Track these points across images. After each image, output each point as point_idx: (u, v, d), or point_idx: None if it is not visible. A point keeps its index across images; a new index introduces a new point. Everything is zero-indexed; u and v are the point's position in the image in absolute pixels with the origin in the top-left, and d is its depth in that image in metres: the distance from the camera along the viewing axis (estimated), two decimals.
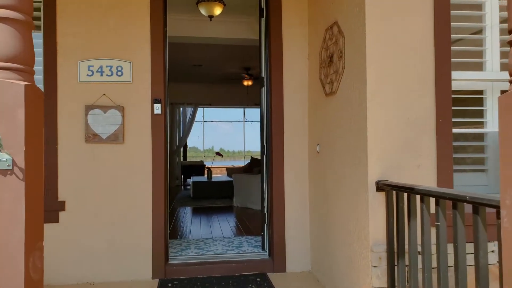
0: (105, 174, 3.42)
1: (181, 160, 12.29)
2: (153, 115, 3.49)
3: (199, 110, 13.26)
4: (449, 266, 1.91)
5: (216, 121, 17.71)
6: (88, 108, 3.40)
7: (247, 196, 6.98)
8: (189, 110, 11.70)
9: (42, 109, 1.14)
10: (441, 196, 1.75)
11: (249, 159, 10.55)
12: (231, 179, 8.21)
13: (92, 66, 3.42)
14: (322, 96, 3.27)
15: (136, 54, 3.49)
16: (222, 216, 6.22)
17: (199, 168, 11.90)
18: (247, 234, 4.79)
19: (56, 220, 3.35)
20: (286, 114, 3.67)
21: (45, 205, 3.29)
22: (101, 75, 3.43)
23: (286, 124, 3.67)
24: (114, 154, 3.43)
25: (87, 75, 3.42)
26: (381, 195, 2.41)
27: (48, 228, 3.29)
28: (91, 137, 3.39)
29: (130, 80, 3.46)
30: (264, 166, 3.86)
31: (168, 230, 3.66)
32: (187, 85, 11.53)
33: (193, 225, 5.49)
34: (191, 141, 16.34)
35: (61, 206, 3.35)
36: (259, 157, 10.08)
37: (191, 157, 17.68)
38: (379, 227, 2.42)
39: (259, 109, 3.95)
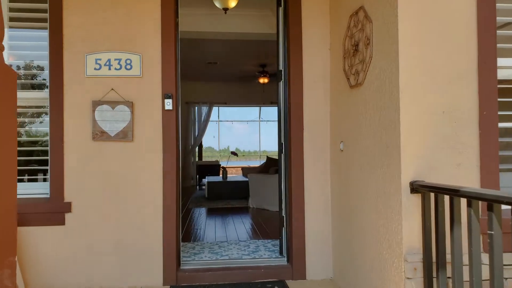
0: (113, 174, 3.22)
1: (196, 159, 12.12)
2: (164, 111, 3.28)
3: (215, 110, 13.09)
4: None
5: (232, 121, 17.52)
6: (96, 103, 3.20)
7: (263, 197, 6.73)
8: (204, 109, 11.54)
9: (14, 93, 0.92)
10: (497, 200, 1.47)
11: (265, 159, 10.32)
12: (247, 179, 7.98)
13: (100, 59, 3.23)
14: (346, 89, 3.00)
15: (146, 46, 3.28)
16: (237, 217, 5.99)
17: (214, 167, 11.70)
18: (263, 238, 4.55)
19: (62, 222, 3.16)
20: (306, 109, 3.41)
21: (51, 207, 3.12)
22: (109, 68, 3.24)
23: (306, 120, 3.41)
24: (122, 153, 3.24)
25: (95, 68, 3.23)
26: (416, 198, 2.14)
27: (54, 230, 3.13)
28: (99, 134, 3.20)
29: (140, 74, 3.26)
30: (282, 166, 3.60)
31: (180, 233, 3.45)
32: (202, 84, 11.37)
33: (207, 227, 5.27)
34: (207, 141, 16.18)
35: (68, 207, 3.16)
36: (275, 157, 9.84)
37: (207, 157, 17.56)
38: (413, 233, 2.14)
39: (277, 105, 3.70)
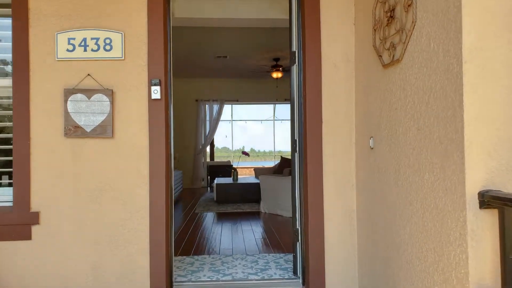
0: (90, 178, 2.64)
1: (208, 159, 11.56)
2: (151, 101, 2.69)
3: (228, 108, 12.55)
4: None
5: (245, 120, 16.95)
6: (68, 92, 2.64)
7: (276, 201, 6.11)
8: (215, 107, 10.98)
9: None
10: None
11: (279, 159, 9.70)
12: (258, 181, 7.36)
13: (74, 38, 2.66)
14: (377, 70, 2.35)
15: (130, 22, 2.70)
16: (246, 224, 5.39)
17: (226, 168, 11.11)
18: (275, 250, 3.92)
19: (27, 236, 2.60)
20: (325, 98, 2.78)
21: (14, 218, 2.53)
22: (85, 50, 2.67)
23: (325, 112, 2.78)
24: (101, 152, 2.66)
25: (67, 50, 2.66)
26: (489, 215, 1.48)
27: (18, 246, 2.57)
28: (72, 129, 2.63)
29: (122, 56, 2.68)
30: (296, 167, 2.98)
31: (172, 249, 2.85)
32: (212, 80, 10.83)
33: (212, 236, 4.68)
34: (222, 142, 15.68)
35: (35, 218, 2.60)
36: (290, 157, 9.19)
37: (223, 157, 17.10)
38: (485, 264, 1.49)
39: (290, 95, 3.08)
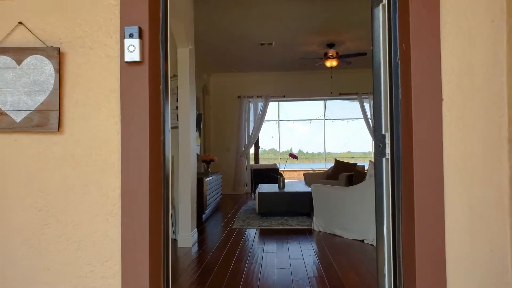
0: (21, 203, 1.52)
1: (252, 163, 10.41)
2: (124, 66, 1.51)
3: (274, 106, 11.42)
4: None
5: (293, 120, 15.70)
6: None
7: (333, 218, 4.78)
8: (260, 104, 9.81)
9: None
10: None
11: (331, 162, 8.34)
12: (309, 190, 6.06)
13: None
14: None
15: None
16: (295, 248, 4.12)
17: (272, 173, 9.87)
18: None
19: None
20: (446, 57, 1.46)
21: None
22: None
23: (446, 81, 1.46)
24: (40, 157, 1.52)
25: None
26: None
27: None
28: None
29: None
30: (384, 183, 1.68)
31: None
32: (255, 74, 9.68)
33: (249, 267, 3.47)
34: (269, 143, 14.62)
35: None
36: (342, 160, 7.80)
37: (270, 160, 16.01)
38: None
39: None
